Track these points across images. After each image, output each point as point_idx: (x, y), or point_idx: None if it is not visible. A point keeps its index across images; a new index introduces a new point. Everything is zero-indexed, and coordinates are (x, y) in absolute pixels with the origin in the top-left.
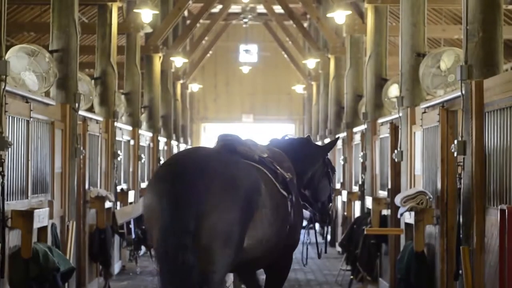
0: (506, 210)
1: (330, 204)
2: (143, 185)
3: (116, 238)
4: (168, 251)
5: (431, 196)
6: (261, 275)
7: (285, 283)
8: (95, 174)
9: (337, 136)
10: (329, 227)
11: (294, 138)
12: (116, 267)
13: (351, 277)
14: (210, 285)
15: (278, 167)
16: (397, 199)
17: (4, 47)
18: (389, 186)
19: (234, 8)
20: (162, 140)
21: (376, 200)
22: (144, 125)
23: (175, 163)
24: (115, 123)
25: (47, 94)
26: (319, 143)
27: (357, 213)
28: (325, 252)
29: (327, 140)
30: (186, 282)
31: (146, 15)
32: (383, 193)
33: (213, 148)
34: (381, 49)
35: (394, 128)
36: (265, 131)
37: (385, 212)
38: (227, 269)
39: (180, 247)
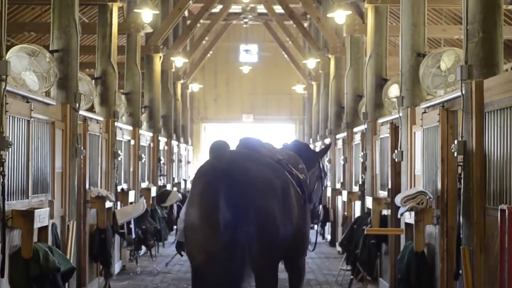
0: (506, 210)
1: (320, 205)
2: (144, 185)
3: (117, 238)
4: (233, 240)
5: (431, 196)
6: None
7: (285, 283)
8: (96, 174)
9: (329, 143)
10: (327, 225)
11: (298, 142)
12: (117, 267)
13: (351, 277)
14: (269, 273)
15: (293, 169)
16: (397, 199)
17: (4, 47)
18: (389, 186)
19: (234, 8)
20: (163, 140)
21: (376, 200)
22: (144, 125)
23: (218, 165)
24: (116, 123)
25: (47, 94)
26: (319, 143)
27: (357, 213)
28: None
29: (327, 141)
30: (244, 267)
31: (147, 15)
32: (383, 193)
33: (243, 150)
34: (381, 49)
35: (394, 128)
36: (265, 131)
37: (385, 212)
38: (279, 259)
39: (246, 236)
